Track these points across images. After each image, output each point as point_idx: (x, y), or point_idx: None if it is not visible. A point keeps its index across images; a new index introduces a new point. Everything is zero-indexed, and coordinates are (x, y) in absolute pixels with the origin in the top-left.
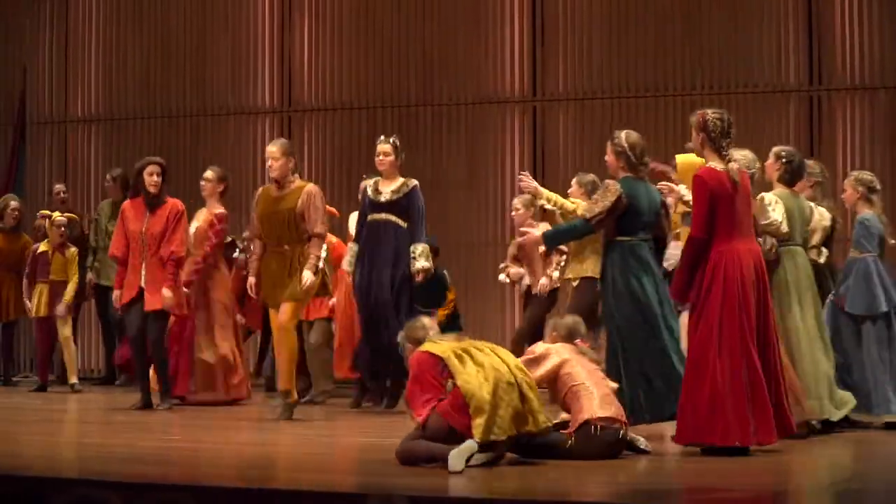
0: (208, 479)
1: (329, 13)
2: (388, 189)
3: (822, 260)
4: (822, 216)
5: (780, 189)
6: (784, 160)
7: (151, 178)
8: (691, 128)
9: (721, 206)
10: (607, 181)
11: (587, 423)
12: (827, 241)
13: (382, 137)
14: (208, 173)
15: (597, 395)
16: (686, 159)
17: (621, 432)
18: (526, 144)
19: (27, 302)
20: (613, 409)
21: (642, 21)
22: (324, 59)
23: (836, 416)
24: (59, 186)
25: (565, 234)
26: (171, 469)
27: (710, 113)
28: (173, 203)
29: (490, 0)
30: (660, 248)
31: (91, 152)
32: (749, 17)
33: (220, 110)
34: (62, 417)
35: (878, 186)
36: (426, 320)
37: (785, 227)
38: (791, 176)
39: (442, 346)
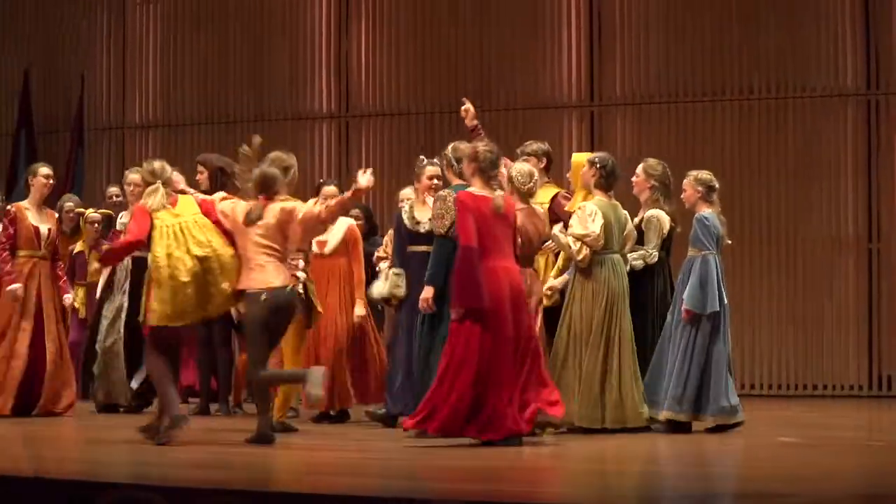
0: (263, 485)
1: (386, 18)
2: (427, 216)
3: (636, 264)
4: (659, 220)
5: (598, 196)
6: (598, 166)
7: (202, 176)
8: (466, 159)
9: (480, 227)
10: (441, 193)
11: None
12: (666, 243)
13: (424, 159)
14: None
15: None
16: (580, 158)
17: None
18: (583, 150)
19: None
20: None
21: (699, 25)
22: (381, 64)
23: (663, 415)
24: (112, 189)
25: (439, 265)
26: (232, 474)
27: (482, 146)
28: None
29: (547, 5)
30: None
31: (148, 158)
32: (806, 20)
33: (278, 116)
34: (115, 422)
35: (717, 185)
36: None
37: (601, 241)
38: (607, 181)
39: None
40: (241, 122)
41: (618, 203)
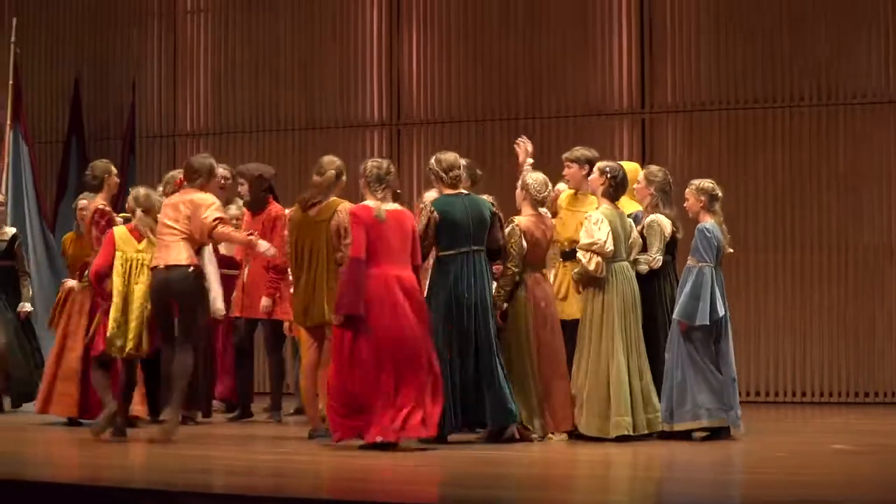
0: (300, 492)
1: (437, 26)
2: None
3: (641, 269)
4: (660, 225)
5: (604, 205)
6: (608, 175)
7: (243, 188)
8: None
9: (370, 237)
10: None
11: None
12: (669, 247)
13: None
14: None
15: None
16: (626, 166)
17: None
18: (634, 157)
19: None
20: None
21: (749, 32)
22: (432, 72)
23: (655, 427)
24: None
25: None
26: (282, 481)
27: (369, 163)
28: (269, 210)
29: (598, 13)
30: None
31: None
32: (856, 26)
33: (329, 123)
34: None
35: (720, 195)
36: None
37: (609, 247)
38: (615, 190)
39: None
40: (292, 129)
41: (623, 212)
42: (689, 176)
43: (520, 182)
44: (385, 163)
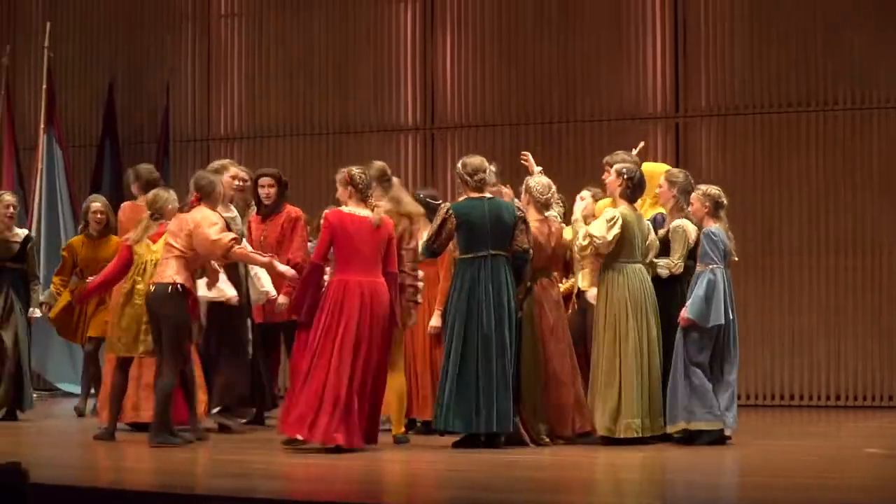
0: (325, 496)
1: (471, 30)
2: None
3: (662, 273)
4: (685, 230)
5: (622, 206)
6: (625, 177)
7: (263, 190)
8: (340, 182)
9: (341, 243)
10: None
11: None
12: (693, 253)
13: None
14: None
15: None
16: (647, 169)
17: None
18: (668, 161)
19: None
20: None
21: (784, 35)
22: (466, 75)
23: (671, 429)
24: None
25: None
26: (305, 485)
27: (355, 170)
28: (288, 211)
29: (631, 16)
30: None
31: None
32: (890, 29)
33: (363, 128)
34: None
35: (725, 202)
36: None
37: (607, 249)
38: (632, 191)
39: None
40: (326, 133)
41: (642, 214)
42: (724, 180)
43: (523, 186)
44: (367, 169)
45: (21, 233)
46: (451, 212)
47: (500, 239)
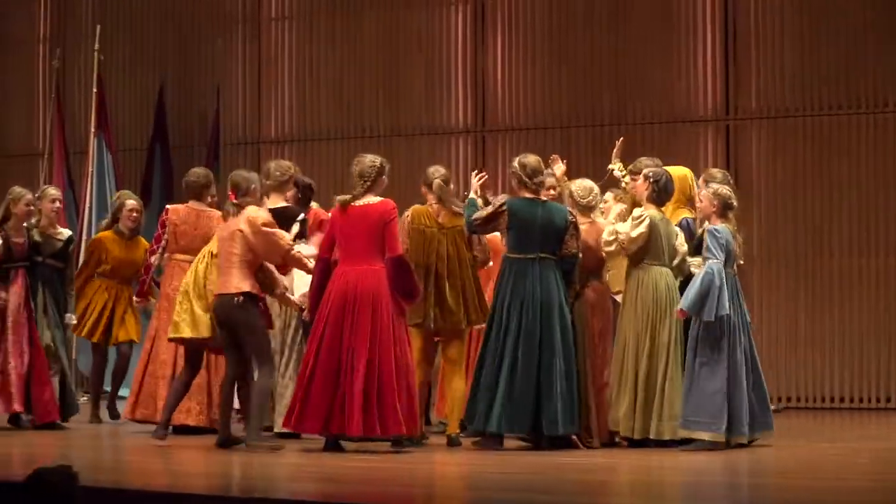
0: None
1: (522, 32)
2: None
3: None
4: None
5: (650, 210)
6: (651, 180)
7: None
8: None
9: (341, 237)
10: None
11: None
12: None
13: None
14: None
15: None
16: (673, 172)
17: None
18: (719, 164)
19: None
20: None
21: (834, 36)
22: (517, 78)
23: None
24: None
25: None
26: (366, 488)
27: (367, 157)
28: (313, 212)
29: (682, 18)
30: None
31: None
32: None
33: (414, 130)
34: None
35: (735, 204)
36: None
37: (630, 248)
38: (659, 195)
39: None
40: (376, 136)
41: (669, 219)
42: (774, 182)
43: (565, 193)
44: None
45: (65, 232)
46: (506, 206)
47: (549, 243)
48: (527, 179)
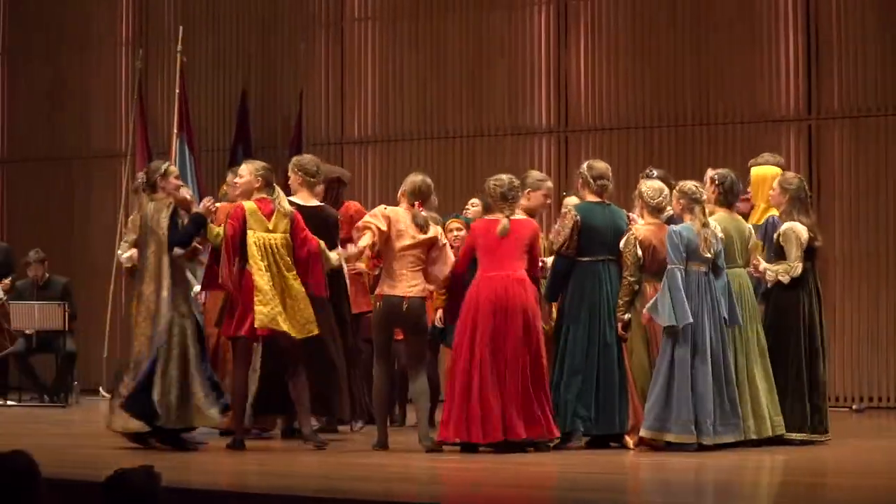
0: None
1: (604, 33)
2: None
3: (783, 279)
4: (795, 232)
5: (718, 213)
6: (717, 182)
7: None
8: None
9: (483, 247)
10: (563, 210)
11: None
12: (809, 255)
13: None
14: None
15: None
16: (760, 172)
17: None
18: (801, 164)
19: None
20: None
21: None
22: (600, 78)
23: (778, 431)
24: None
25: (554, 278)
26: (443, 489)
27: (491, 181)
28: (347, 207)
29: (764, 18)
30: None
31: (367, 173)
32: None
33: (497, 131)
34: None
35: (704, 198)
36: None
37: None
38: (725, 197)
39: None
40: (459, 137)
41: (740, 218)
42: (856, 183)
43: (636, 192)
44: (509, 179)
45: None
46: (576, 214)
47: (615, 245)
48: (591, 181)
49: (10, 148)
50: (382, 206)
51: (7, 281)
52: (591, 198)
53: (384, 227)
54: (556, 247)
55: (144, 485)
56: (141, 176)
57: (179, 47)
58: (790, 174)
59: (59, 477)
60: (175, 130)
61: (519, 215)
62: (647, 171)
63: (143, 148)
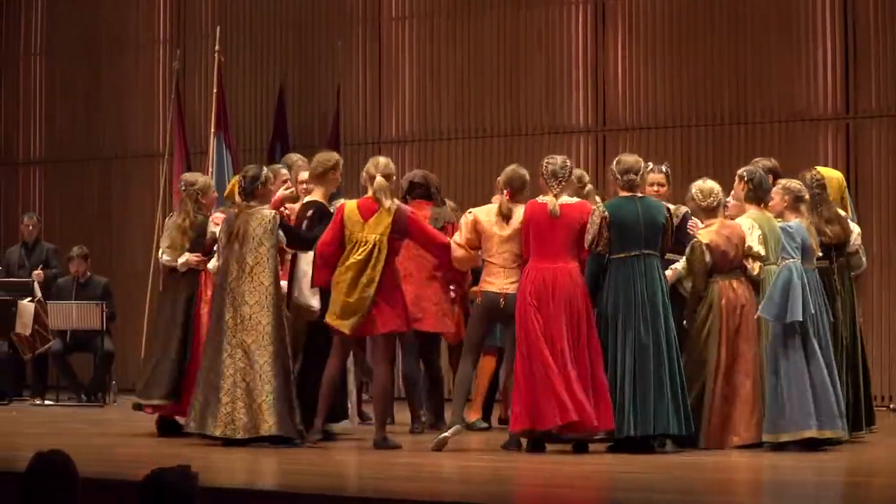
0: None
1: (642, 31)
2: None
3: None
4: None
5: (750, 210)
6: (745, 179)
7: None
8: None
9: (534, 231)
10: (593, 207)
11: None
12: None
13: (651, 165)
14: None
15: None
16: (826, 173)
17: None
18: (838, 163)
19: None
20: None
21: None
22: (637, 77)
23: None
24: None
25: (588, 278)
26: (472, 488)
27: (544, 159)
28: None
29: (802, 17)
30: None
31: (404, 172)
32: None
33: (534, 130)
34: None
35: (807, 196)
36: None
37: (761, 251)
38: (755, 193)
39: None
40: (497, 136)
41: (770, 215)
42: (894, 181)
43: (688, 196)
44: (560, 159)
45: None
46: (605, 211)
47: (653, 238)
48: (619, 176)
49: (49, 149)
50: (468, 211)
51: (40, 271)
52: (624, 193)
53: (470, 236)
54: (587, 245)
55: (181, 485)
56: (185, 181)
57: (217, 47)
58: (792, 181)
59: (96, 476)
60: (213, 130)
61: (567, 199)
62: (659, 166)
63: (180, 148)
